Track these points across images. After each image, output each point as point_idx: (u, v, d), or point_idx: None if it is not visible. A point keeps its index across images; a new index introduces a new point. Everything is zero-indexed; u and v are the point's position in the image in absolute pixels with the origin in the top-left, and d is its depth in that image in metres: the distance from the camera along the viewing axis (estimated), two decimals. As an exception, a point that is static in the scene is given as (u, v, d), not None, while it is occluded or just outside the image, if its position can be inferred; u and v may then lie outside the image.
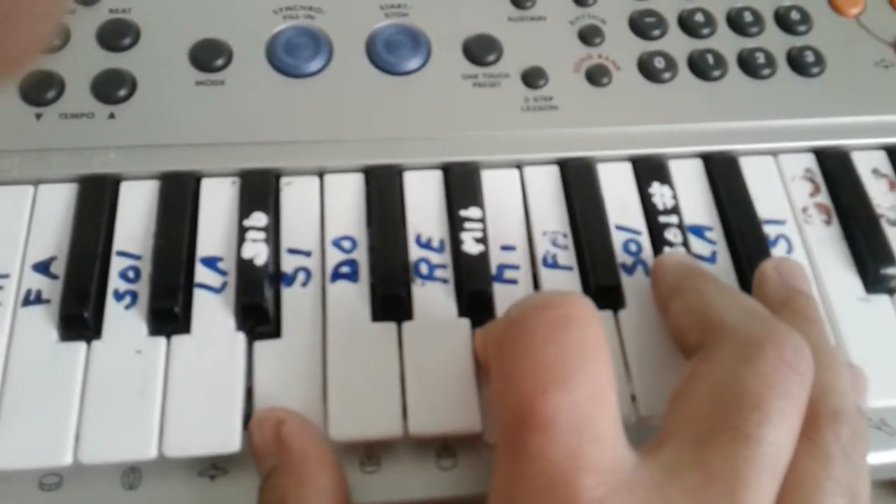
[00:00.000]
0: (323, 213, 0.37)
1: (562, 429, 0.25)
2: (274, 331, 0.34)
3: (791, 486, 0.26)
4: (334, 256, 0.35)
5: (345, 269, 0.35)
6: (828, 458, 0.27)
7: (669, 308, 0.32)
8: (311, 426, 0.31)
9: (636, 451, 0.26)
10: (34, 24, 0.19)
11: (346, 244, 0.36)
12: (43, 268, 0.35)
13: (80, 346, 0.32)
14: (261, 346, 0.33)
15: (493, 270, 0.35)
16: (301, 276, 0.35)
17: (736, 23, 0.43)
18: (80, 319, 0.33)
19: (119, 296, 0.34)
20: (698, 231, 0.37)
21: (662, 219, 0.37)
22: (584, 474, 0.25)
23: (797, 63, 0.42)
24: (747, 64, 0.42)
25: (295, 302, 0.34)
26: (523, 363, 0.27)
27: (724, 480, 0.25)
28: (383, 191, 0.37)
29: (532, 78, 0.40)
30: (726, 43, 0.43)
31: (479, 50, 0.41)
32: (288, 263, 0.35)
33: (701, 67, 0.41)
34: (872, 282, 0.36)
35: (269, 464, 0.30)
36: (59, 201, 0.36)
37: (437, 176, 0.38)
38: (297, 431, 0.30)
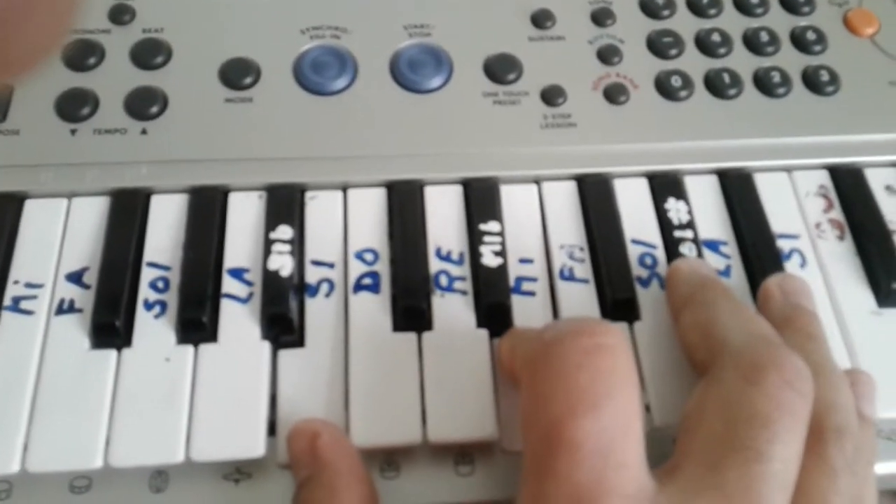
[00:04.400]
0: (346, 226, 0.37)
1: (589, 453, 0.26)
2: (298, 340, 0.34)
3: (800, 500, 0.27)
4: (357, 268, 0.36)
5: (367, 281, 0.36)
6: (833, 473, 0.28)
7: (680, 321, 0.33)
8: (345, 440, 0.32)
9: (654, 475, 0.27)
10: (42, 25, 0.18)
11: (369, 256, 0.36)
12: (76, 278, 0.35)
13: (111, 354, 0.33)
14: (285, 355, 0.34)
15: (512, 282, 0.36)
16: (324, 287, 0.35)
17: (752, 42, 0.43)
18: (112, 328, 0.34)
19: (149, 305, 0.35)
20: (713, 245, 0.38)
21: (678, 233, 0.38)
22: (609, 498, 0.25)
23: (812, 82, 0.42)
24: (763, 83, 0.42)
25: (318, 312, 0.35)
26: (556, 387, 0.27)
27: (741, 499, 0.25)
28: (405, 205, 0.38)
29: (551, 96, 0.41)
30: (742, 62, 0.43)
31: (500, 69, 0.41)
32: (312, 275, 0.36)
33: (717, 86, 0.42)
34: (884, 296, 0.36)
35: (305, 474, 0.30)
36: (92, 214, 0.37)
37: (458, 191, 0.39)
38: (330, 445, 0.31)
